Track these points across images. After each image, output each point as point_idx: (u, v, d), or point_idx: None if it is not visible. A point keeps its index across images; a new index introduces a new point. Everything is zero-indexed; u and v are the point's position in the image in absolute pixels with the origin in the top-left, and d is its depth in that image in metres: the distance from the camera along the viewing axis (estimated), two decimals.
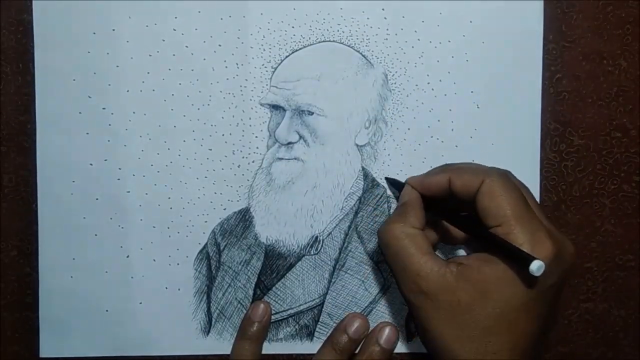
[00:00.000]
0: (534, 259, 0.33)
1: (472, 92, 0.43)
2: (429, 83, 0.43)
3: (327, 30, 0.43)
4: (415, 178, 0.42)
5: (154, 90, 0.43)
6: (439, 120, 0.44)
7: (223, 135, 0.44)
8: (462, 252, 0.44)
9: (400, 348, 0.44)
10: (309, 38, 0.43)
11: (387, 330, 0.43)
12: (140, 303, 0.44)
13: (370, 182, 0.44)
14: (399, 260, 0.37)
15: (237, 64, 0.43)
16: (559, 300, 0.38)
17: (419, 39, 0.43)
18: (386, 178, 0.44)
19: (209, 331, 0.45)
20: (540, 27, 0.43)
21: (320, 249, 0.44)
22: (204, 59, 0.43)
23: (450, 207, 0.40)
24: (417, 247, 0.37)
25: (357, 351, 0.43)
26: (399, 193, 0.42)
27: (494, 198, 0.36)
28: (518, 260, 0.34)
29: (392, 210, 0.44)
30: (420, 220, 0.39)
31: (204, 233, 0.44)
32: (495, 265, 0.35)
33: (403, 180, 0.43)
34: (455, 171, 0.39)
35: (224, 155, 0.44)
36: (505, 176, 0.38)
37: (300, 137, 0.43)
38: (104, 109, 0.43)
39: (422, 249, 0.37)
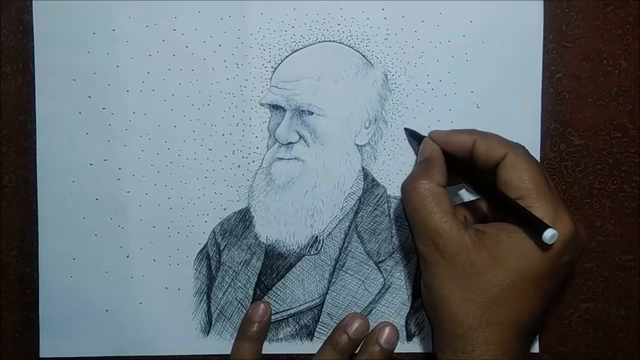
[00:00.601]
0: (548, 227, 0.33)
1: (472, 92, 0.43)
2: (429, 83, 0.43)
3: (327, 30, 0.43)
4: (438, 133, 0.41)
5: (154, 90, 0.43)
6: (439, 120, 0.44)
7: (223, 135, 0.44)
8: None
9: (400, 348, 0.44)
10: (309, 38, 0.43)
11: (387, 330, 0.43)
12: (140, 303, 0.44)
13: (370, 182, 0.44)
14: (420, 216, 0.37)
15: (237, 64, 0.43)
16: (565, 283, 0.38)
17: (419, 39, 0.43)
18: (405, 129, 0.43)
19: (209, 331, 0.45)
20: (540, 27, 0.43)
21: (320, 249, 0.44)
22: (204, 59, 0.43)
23: (471, 168, 0.40)
24: (439, 205, 0.37)
25: (357, 351, 0.43)
26: (417, 145, 0.42)
27: (517, 171, 0.37)
28: (533, 227, 0.34)
29: (392, 210, 0.44)
30: (444, 176, 0.38)
31: (204, 233, 0.44)
32: (514, 234, 0.35)
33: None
34: (482, 136, 0.39)
35: (224, 155, 0.44)
36: (529, 153, 0.38)
37: (300, 137, 0.43)
38: (104, 109, 0.43)
39: (443, 207, 0.37)
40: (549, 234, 0.33)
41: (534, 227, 0.34)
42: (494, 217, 0.40)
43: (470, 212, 0.41)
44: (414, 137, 0.43)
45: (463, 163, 0.40)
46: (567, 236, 0.35)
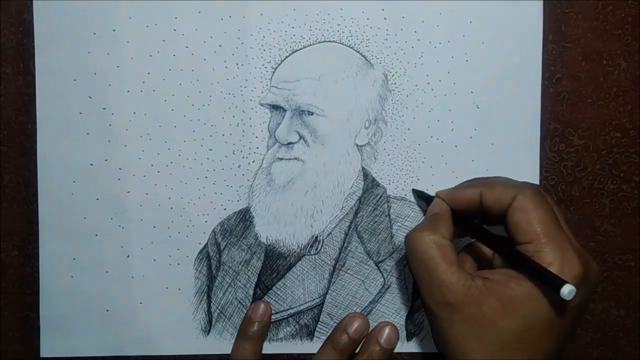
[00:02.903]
0: (565, 282, 0.33)
1: (472, 92, 0.43)
2: (428, 83, 0.43)
3: (327, 30, 0.43)
4: (445, 191, 0.41)
5: (154, 90, 0.43)
6: (438, 120, 0.44)
7: (223, 135, 0.44)
8: None
9: (400, 348, 0.44)
10: (309, 38, 0.43)
11: (387, 330, 0.43)
12: (141, 303, 0.44)
13: (370, 182, 0.44)
14: (425, 269, 0.37)
15: (237, 64, 0.43)
16: (580, 320, 0.38)
17: (419, 39, 0.43)
18: (413, 190, 0.44)
19: (209, 331, 0.45)
20: (540, 27, 0.43)
21: (320, 248, 0.44)
22: (204, 59, 0.43)
23: (479, 222, 0.40)
24: (444, 258, 0.36)
25: (357, 351, 0.43)
26: (425, 206, 0.42)
27: (525, 214, 0.36)
28: (548, 282, 0.34)
29: (392, 210, 0.44)
30: (449, 232, 0.38)
31: (204, 233, 0.44)
32: (522, 281, 0.35)
33: (429, 194, 0.42)
34: (487, 185, 0.39)
35: (224, 155, 0.44)
36: (539, 192, 0.37)
37: (300, 137, 0.43)
38: (104, 109, 0.43)
39: (449, 259, 0.36)
40: (566, 290, 0.32)
41: (551, 283, 0.34)
42: (497, 259, 0.40)
43: (473, 256, 0.41)
44: (422, 198, 0.43)
45: (473, 217, 0.40)
46: (576, 281, 0.34)
